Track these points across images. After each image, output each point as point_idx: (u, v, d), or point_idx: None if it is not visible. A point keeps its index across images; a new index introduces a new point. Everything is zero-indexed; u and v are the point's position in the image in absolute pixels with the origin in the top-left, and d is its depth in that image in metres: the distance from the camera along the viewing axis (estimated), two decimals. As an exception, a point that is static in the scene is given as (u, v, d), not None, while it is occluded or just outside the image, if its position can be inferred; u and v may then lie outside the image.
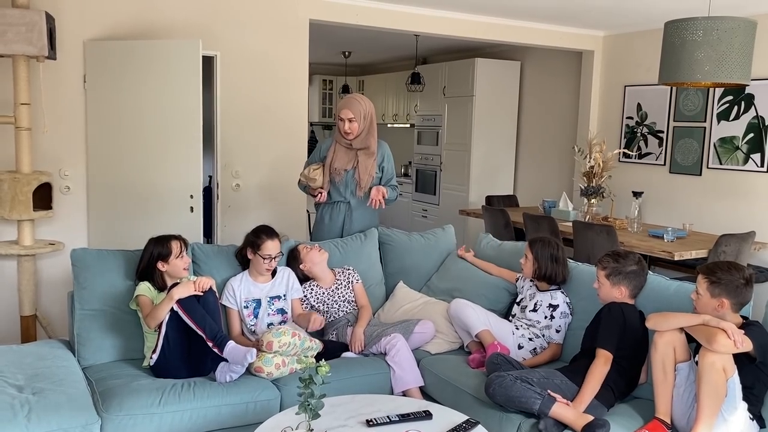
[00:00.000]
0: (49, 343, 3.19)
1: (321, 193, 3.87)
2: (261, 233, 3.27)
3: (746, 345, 2.41)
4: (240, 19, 4.93)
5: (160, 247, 3.07)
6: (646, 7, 5.22)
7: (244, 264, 3.38)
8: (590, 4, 5.21)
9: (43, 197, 4.08)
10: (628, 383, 2.82)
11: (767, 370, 2.53)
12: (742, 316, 2.61)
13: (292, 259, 3.53)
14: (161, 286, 3.06)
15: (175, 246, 3.08)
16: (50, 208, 4.16)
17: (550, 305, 3.25)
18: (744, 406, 2.47)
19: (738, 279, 2.55)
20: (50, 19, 3.89)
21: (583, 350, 2.94)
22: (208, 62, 4.77)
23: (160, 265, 3.06)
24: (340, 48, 8.61)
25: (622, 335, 2.76)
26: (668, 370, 2.59)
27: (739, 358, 2.45)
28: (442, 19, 5.75)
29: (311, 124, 10.25)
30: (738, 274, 2.56)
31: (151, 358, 2.93)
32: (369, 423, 2.40)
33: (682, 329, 2.60)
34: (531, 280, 3.39)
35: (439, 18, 5.73)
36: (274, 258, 3.27)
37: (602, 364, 2.71)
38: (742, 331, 2.43)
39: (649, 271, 3.12)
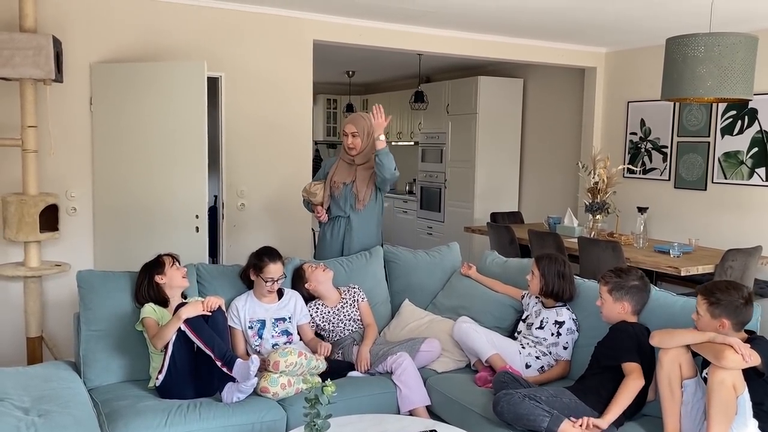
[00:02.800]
0: (55, 365, 3.18)
1: (321, 212, 3.90)
2: (263, 256, 3.28)
3: (754, 359, 2.40)
4: (244, 40, 4.98)
5: (151, 264, 3.13)
6: (647, 23, 5.25)
7: (249, 285, 3.38)
8: (592, 21, 5.25)
9: (49, 219, 4.10)
10: (637, 401, 2.78)
11: (776, 385, 2.51)
12: (747, 331, 2.59)
13: (297, 279, 3.53)
14: (163, 301, 3.07)
15: (167, 259, 3.14)
16: (56, 229, 4.17)
17: (556, 322, 3.23)
18: (754, 423, 2.45)
19: (737, 299, 2.53)
20: (57, 43, 3.93)
21: (593, 370, 2.90)
22: (213, 83, 4.81)
23: (158, 279, 3.08)
24: (343, 67, 8.68)
25: (637, 345, 2.75)
26: (675, 387, 2.57)
27: (747, 374, 2.44)
28: (445, 38, 5.79)
29: (316, 143, 10.31)
30: (737, 294, 2.54)
31: (157, 378, 2.92)
32: (376, 443, 2.38)
33: (687, 346, 2.59)
34: (537, 297, 3.38)
35: (441, 37, 5.77)
36: (277, 281, 3.27)
37: (636, 378, 2.69)
38: (749, 345, 2.42)
39: (655, 287, 3.11)
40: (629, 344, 2.76)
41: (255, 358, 2.79)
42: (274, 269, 3.25)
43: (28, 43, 3.76)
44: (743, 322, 2.56)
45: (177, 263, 3.16)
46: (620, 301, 2.91)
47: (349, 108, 9.85)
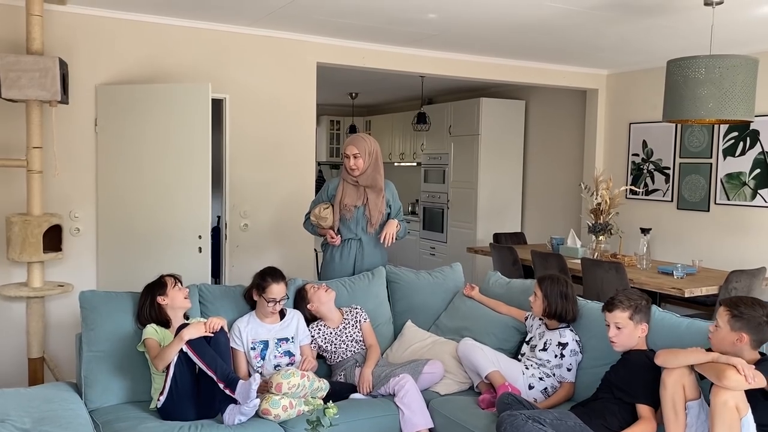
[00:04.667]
0: (57, 386, 3.17)
1: (335, 236, 3.89)
2: (267, 276, 3.28)
3: (759, 381, 2.37)
4: (249, 62, 5.03)
5: (153, 285, 3.12)
6: (648, 45, 5.29)
7: (252, 305, 3.37)
8: (593, 43, 5.29)
9: (53, 239, 4.11)
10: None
11: (783, 407, 2.48)
12: (760, 352, 2.57)
13: (300, 299, 3.52)
14: (165, 322, 3.06)
15: (168, 279, 3.12)
16: (60, 249, 4.18)
17: (560, 343, 3.21)
18: (760, 445, 2.42)
19: (761, 316, 2.51)
20: (63, 65, 3.98)
21: (602, 394, 2.86)
22: (217, 105, 4.84)
23: (160, 300, 3.07)
24: (347, 89, 8.74)
25: (656, 383, 2.70)
26: (679, 409, 2.55)
27: (754, 395, 2.42)
28: (447, 61, 5.84)
29: (319, 164, 10.35)
30: (762, 311, 2.52)
31: (158, 400, 2.90)
32: (378, 466, 2.36)
33: (691, 367, 2.57)
34: (540, 319, 3.37)
35: (444, 59, 5.82)
36: (279, 302, 3.27)
37: (648, 423, 2.66)
38: (753, 366, 2.40)
39: (660, 308, 3.09)
40: (649, 383, 2.69)
41: (257, 375, 2.78)
42: (276, 290, 3.25)
43: (35, 65, 3.80)
44: (762, 340, 2.53)
45: (179, 284, 3.16)
46: (639, 324, 2.84)
47: (352, 129, 9.91)
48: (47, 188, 4.25)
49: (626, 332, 2.85)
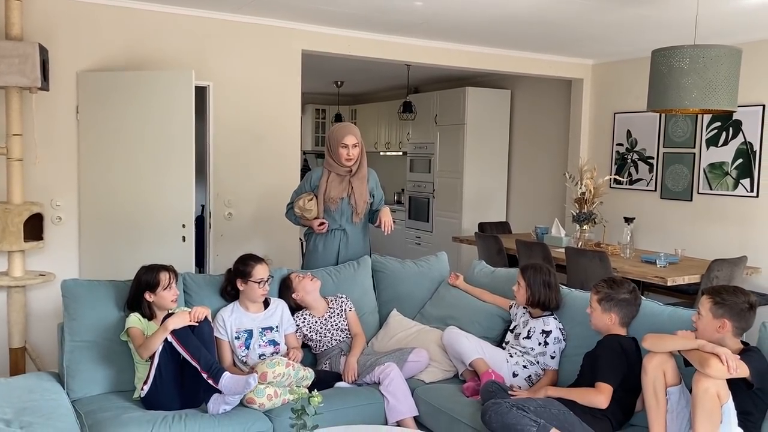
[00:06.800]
0: (38, 376, 3.14)
1: (324, 224, 3.87)
2: (248, 260, 3.27)
3: (741, 371, 2.40)
4: (233, 49, 4.98)
5: (148, 276, 3.05)
6: (633, 36, 5.31)
7: (231, 300, 3.35)
8: (578, 33, 5.30)
9: (34, 228, 4.07)
10: (625, 412, 2.80)
11: (764, 396, 2.52)
12: (742, 342, 2.60)
13: (285, 289, 3.51)
14: (149, 316, 3.04)
15: (164, 277, 3.04)
16: (41, 238, 4.14)
17: (543, 331, 3.23)
18: (740, 432, 2.46)
19: (743, 303, 2.55)
20: (44, 51, 3.91)
21: (582, 381, 2.90)
22: (201, 92, 4.80)
23: (147, 296, 3.03)
24: (332, 78, 8.70)
25: (623, 367, 2.75)
26: (660, 395, 2.58)
27: (737, 384, 2.45)
28: (433, 49, 5.82)
29: (304, 153, 10.31)
30: (743, 297, 2.57)
31: (142, 389, 2.89)
32: (363, 454, 2.36)
33: (671, 352, 2.60)
34: (524, 307, 3.39)
35: (430, 48, 5.80)
36: (267, 281, 3.26)
37: (599, 397, 2.71)
38: (738, 357, 2.43)
39: (643, 297, 3.12)
40: (613, 363, 2.76)
41: (255, 376, 2.77)
42: (261, 270, 3.25)
43: (14, 51, 3.74)
44: (744, 327, 2.57)
45: (174, 282, 3.08)
46: (608, 312, 2.92)
47: (338, 118, 9.87)
48: (28, 176, 4.19)
49: (595, 314, 2.95)
